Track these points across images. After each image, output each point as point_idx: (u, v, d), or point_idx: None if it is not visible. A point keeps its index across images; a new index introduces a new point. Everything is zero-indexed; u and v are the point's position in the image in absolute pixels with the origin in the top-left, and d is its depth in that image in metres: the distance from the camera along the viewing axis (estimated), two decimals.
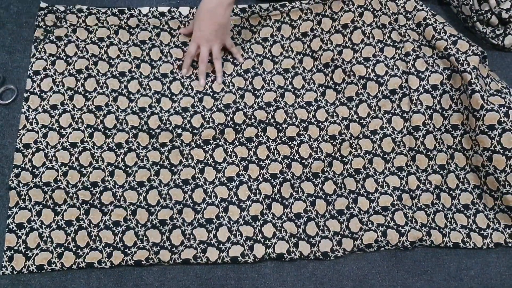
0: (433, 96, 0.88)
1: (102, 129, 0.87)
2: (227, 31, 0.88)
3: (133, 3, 0.98)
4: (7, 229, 0.80)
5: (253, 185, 0.84)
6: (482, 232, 0.82)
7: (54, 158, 0.84)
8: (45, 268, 0.78)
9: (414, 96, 0.88)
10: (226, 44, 0.91)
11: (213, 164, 0.86)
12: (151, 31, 0.95)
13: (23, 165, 0.83)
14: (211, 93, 0.91)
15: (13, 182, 0.82)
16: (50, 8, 0.94)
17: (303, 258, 0.80)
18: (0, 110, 0.88)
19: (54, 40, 0.92)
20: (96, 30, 0.94)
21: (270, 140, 0.87)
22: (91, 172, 0.84)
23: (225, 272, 0.80)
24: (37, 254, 0.79)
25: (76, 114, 0.88)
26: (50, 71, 0.90)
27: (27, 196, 0.82)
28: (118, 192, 0.83)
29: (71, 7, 0.94)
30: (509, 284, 0.80)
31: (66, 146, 0.85)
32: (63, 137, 0.86)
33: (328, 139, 0.88)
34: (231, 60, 0.93)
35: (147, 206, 0.82)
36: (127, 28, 0.95)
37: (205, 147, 0.87)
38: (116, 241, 0.80)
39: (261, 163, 0.86)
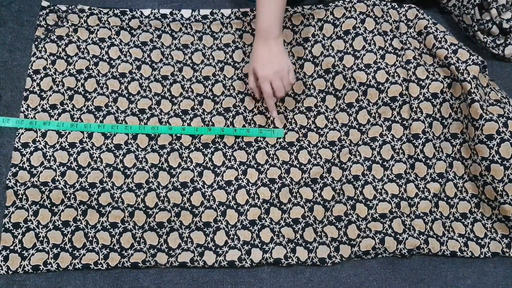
0: (433, 104, 0.88)
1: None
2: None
3: (135, 5, 0.98)
4: (3, 228, 0.79)
5: (252, 190, 0.84)
6: (479, 241, 0.82)
7: (52, 158, 0.84)
8: (41, 269, 0.77)
9: (414, 104, 0.88)
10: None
11: (212, 167, 0.85)
12: (153, 33, 0.94)
13: (21, 164, 0.83)
14: (211, 96, 0.91)
15: (10, 181, 0.81)
16: (52, 7, 0.94)
17: (300, 263, 0.80)
18: None
19: (55, 39, 0.92)
20: (98, 30, 0.94)
21: (269, 145, 0.87)
22: (89, 173, 0.83)
23: (221, 276, 0.79)
24: (33, 254, 0.78)
25: (76, 114, 0.87)
26: (50, 70, 0.90)
27: (24, 195, 0.81)
28: (116, 193, 0.82)
29: (72, 6, 0.94)
30: None
31: (65, 146, 0.85)
32: (62, 137, 0.85)
33: (328, 145, 0.88)
34: (231, 63, 0.93)
35: (145, 208, 0.82)
36: (128, 29, 0.94)
37: (204, 150, 0.86)
38: (113, 242, 0.80)
39: (260, 167, 0.86)
